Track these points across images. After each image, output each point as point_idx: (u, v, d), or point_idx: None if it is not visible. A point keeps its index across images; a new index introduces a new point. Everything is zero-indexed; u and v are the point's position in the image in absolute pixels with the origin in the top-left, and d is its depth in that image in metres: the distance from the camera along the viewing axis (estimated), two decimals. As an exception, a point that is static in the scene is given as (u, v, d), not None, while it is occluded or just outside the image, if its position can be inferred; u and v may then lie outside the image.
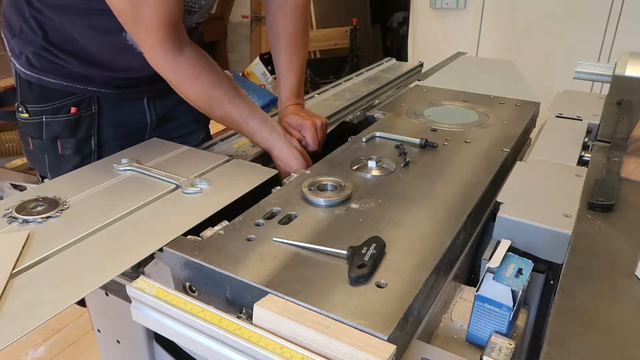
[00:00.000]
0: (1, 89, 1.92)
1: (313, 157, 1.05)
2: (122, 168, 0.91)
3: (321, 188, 0.82)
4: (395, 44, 4.69)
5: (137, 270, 0.68)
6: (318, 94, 1.41)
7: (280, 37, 1.13)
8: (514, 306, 0.60)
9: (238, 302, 0.63)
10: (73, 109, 1.03)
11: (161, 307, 0.59)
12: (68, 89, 1.03)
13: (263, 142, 1.01)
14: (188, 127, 1.24)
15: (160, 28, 0.86)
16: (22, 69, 1.04)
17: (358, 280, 0.59)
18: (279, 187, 0.84)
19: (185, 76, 0.93)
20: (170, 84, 0.95)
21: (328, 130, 1.15)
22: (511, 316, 0.61)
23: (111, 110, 1.09)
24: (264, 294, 0.59)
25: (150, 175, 0.89)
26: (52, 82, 1.03)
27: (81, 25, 0.98)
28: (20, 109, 1.05)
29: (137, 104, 1.15)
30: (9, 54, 1.06)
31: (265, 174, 0.90)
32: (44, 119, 1.03)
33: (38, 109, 1.03)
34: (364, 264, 0.60)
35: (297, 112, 1.11)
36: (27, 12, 0.99)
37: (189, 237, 0.71)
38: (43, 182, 1.08)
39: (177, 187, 0.85)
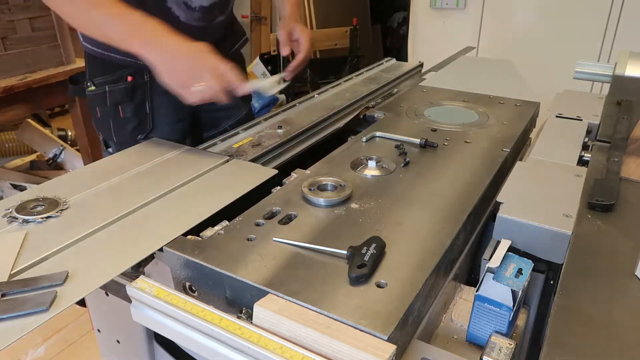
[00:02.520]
0: (1, 89, 1.92)
1: (314, 157, 1.04)
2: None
3: (321, 188, 0.82)
4: (395, 44, 4.69)
5: (137, 270, 0.68)
6: (318, 94, 1.40)
7: None
8: (514, 306, 0.60)
9: (238, 302, 0.63)
10: (129, 78, 1.20)
11: (161, 307, 0.59)
12: (125, 62, 1.18)
13: (152, 32, 0.96)
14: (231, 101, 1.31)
15: None
16: (92, 47, 1.21)
17: (358, 280, 0.59)
18: (279, 187, 0.84)
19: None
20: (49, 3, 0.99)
21: (347, 119, 1.24)
22: (511, 316, 0.61)
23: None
24: (264, 294, 0.59)
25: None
26: (113, 57, 1.18)
27: None
28: (88, 84, 1.23)
29: None
30: (80, 37, 1.25)
31: (265, 174, 0.90)
32: (107, 89, 1.21)
33: (102, 80, 1.21)
34: (364, 264, 0.60)
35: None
36: None
37: (189, 237, 0.71)
38: (107, 150, 1.28)
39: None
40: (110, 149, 1.28)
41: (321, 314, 0.55)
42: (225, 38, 1.33)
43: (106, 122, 1.25)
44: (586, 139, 1.01)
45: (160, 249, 0.68)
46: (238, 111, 1.38)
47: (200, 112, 1.35)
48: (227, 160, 0.96)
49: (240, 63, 1.43)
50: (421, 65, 1.76)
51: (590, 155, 0.93)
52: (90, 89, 1.23)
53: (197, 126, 1.41)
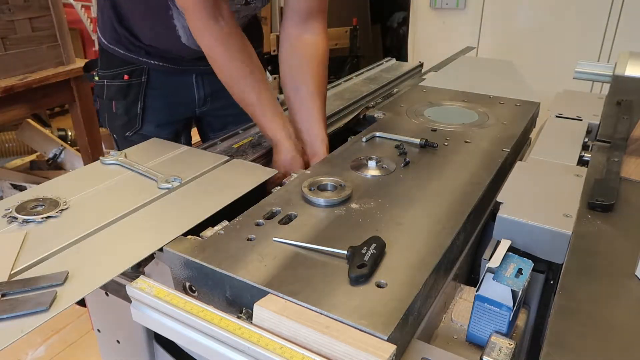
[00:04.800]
0: (1, 89, 1.92)
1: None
2: (108, 161, 0.94)
3: (321, 188, 0.82)
4: (395, 44, 4.69)
5: (137, 270, 0.68)
6: (318, 94, 1.40)
7: (302, 86, 1.11)
8: (514, 306, 0.60)
9: (238, 302, 0.63)
10: (126, 77, 1.24)
11: (161, 307, 0.59)
12: (127, 58, 1.22)
13: (271, 135, 1.03)
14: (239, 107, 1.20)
15: None
16: (100, 36, 1.26)
17: (358, 280, 0.59)
18: (279, 187, 0.84)
19: (218, 42, 1.00)
20: (203, 48, 1.01)
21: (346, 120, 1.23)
22: (511, 316, 0.61)
23: (159, 82, 1.24)
24: (264, 294, 0.59)
25: (134, 170, 0.91)
26: (117, 51, 1.22)
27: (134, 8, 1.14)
28: (94, 74, 1.31)
29: (186, 78, 1.28)
30: (97, 27, 1.29)
31: (265, 174, 0.90)
32: (105, 82, 1.26)
33: (103, 74, 1.26)
34: (364, 264, 0.60)
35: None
36: None
37: (189, 237, 0.71)
38: (113, 136, 1.32)
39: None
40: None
41: (321, 314, 0.55)
42: None
43: (102, 113, 1.31)
44: (586, 139, 1.01)
45: (160, 249, 0.68)
46: (247, 116, 1.33)
47: (207, 116, 1.37)
48: (227, 160, 0.96)
49: None
50: (421, 65, 1.76)
51: (590, 155, 0.93)
52: (95, 78, 1.30)
53: (200, 127, 1.44)
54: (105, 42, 1.24)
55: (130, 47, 1.21)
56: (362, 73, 1.64)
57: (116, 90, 1.25)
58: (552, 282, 0.74)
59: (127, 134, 1.27)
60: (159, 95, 1.27)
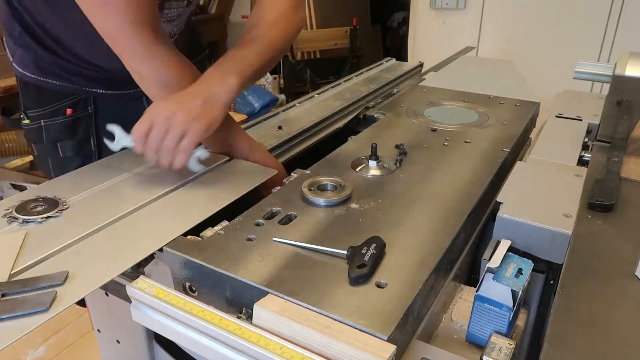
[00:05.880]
0: (1, 89, 1.92)
1: (314, 157, 1.04)
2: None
3: (321, 188, 0.82)
4: (395, 44, 4.69)
5: (137, 270, 0.68)
6: (318, 94, 1.40)
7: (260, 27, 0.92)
8: (514, 306, 0.60)
9: (238, 302, 0.63)
10: (69, 111, 1.01)
11: (161, 307, 0.59)
12: (62, 89, 1.02)
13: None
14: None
15: (131, 5, 0.75)
16: (21, 70, 1.04)
17: (358, 280, 0.59)
18: (279, 187, 0.84)
19: (167, 65, 0.83)
20: (141, 79, 0.84)
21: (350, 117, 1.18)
22: (511, 316, 0.61)
23: (110, 110, 1.05)
24: (264, 294, 0.59)
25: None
26: (47, 82, 1.02)
27: (54, 15, 0.94)
28: (22, 117, 1.04)
29: (137, 102, 1.06)
30: (11, 59, 1.06)
31: (265, 174, 0.90)
32: (42, 123, 1.02)
33: (36, 113, 1.02)
34: (364, 264, 0.60)
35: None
36: (15, 13, 0.97)
37: (189, 237, 0.71)
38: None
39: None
40: None
41: (321, 314, 0.55)
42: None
43: (44, 160, 1.08)
44: (586, 139, 1.01)
45: (160, 249, 0.68)
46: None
47: None
48: (227, 160, 0.96)
49: None
50: (421, 65, 1.75)
51: (590, 155, 0.93)
52: (24, 122, 1.05)
53: None
54: (29, 75, 1.02)
55: (64, 74, 1.01)
56: (362, 73, 1.64)
57: (60, 129, 1.02)
58: (552, 282, 0.74)
59: None
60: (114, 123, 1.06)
